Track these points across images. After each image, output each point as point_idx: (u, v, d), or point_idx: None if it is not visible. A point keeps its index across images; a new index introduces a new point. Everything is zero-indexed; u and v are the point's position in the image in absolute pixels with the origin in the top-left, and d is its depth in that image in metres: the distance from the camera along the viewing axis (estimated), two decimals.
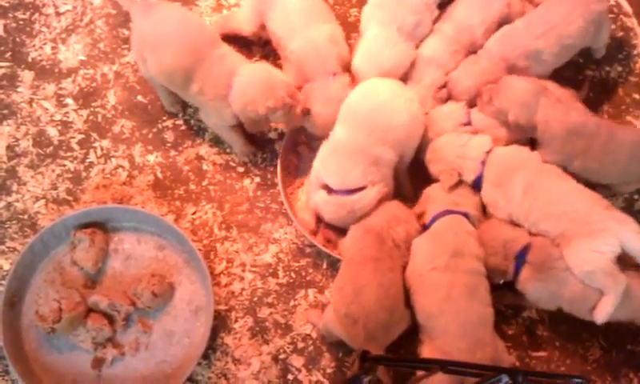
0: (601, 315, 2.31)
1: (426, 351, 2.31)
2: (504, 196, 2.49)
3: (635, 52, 3.06)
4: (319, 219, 2.65)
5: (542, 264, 2.38)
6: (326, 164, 2.55)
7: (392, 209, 2.51)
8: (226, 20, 3.00)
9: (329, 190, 2.53)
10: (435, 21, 2.82)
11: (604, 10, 2.80)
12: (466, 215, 2.49)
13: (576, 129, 2.52)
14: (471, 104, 2.73)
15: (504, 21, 2.82)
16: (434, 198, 2.55)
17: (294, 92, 2.62)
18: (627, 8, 3.13)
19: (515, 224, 2.50)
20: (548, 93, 2.58)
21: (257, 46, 3.02)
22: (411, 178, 2.72)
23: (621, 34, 3.07)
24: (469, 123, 2.66)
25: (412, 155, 2.64)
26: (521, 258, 2.41)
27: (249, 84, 2.57)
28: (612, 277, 2.30)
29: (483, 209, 2.58)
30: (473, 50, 2.80)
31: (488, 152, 2.55)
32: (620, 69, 3.01)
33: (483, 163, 2.54)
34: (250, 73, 2.61)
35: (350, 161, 2.50)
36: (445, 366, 1.92)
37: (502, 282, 2.46)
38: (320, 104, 2.65)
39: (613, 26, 3.05)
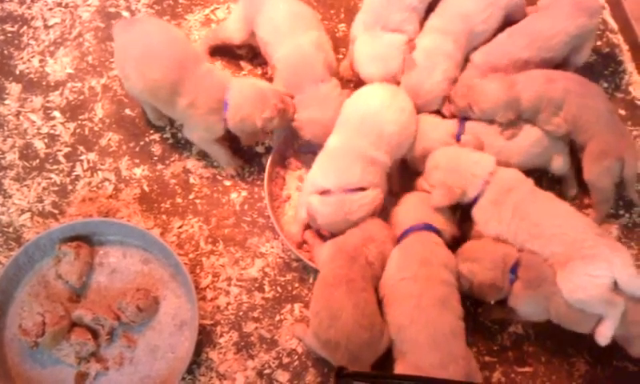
0: (603, 338, 2.31)
1: (399, 367, 2.29)
2: (497, 216, 2.49)
3: (621, 68, 3.09)
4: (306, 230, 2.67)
5: (532, 280, 2.38)
6: (323, 169, 2.55)
7: (370, 228, 2.50)
8: (214, 32, 3.01)
9: (325, 194, 2.51)
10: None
11: (594, 26, 2.82)
12: (436, 230, 2.49)
13: (548, 77, 2.64)
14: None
15: (510, 11, 2.87)
16: (404, 212, 2.55)
17: (284, 96, 2.66)
18: (613, 24, 3.16)
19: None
20: (510, 78, 2.67)
21: (245, 59, 3.03)
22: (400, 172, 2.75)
23: (607, 50, 3.10)
24: (460, 134, 2.67)
25: (403, 155, 2.67)
26: (512, 272, 2.40)
27: (243, 99, 2.60)
28: (608, 304, 2.29)
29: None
30: (473, 38, 2.82)
31: (492, 173, 2.53)
32: (606, 85, 3.04)
33: (486, 183, 2.53)
34: (241, 88, 2.63)
35: (348, 161, 2.51)
36: (420, 382, 1.92)
37: (492, 301, 2.44)
38: (313, 110, 2.66)
39: (599, 43, 3.08)
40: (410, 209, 2.56)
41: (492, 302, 2.45)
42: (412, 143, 2.65)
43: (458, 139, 2.67)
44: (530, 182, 2.55)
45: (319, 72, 2.71)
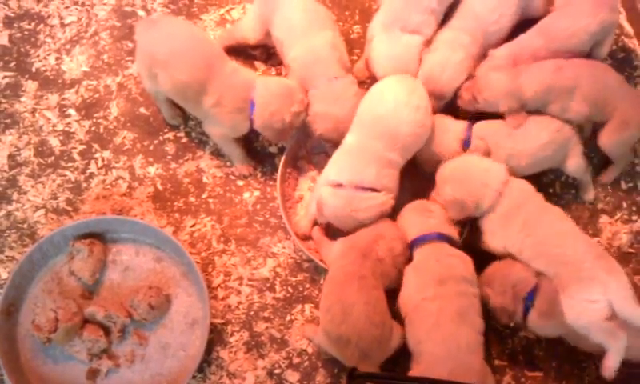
0: (607, 371, 2.27)
1: (412, 373, 2.30)
2: (505, 229, 2.48)
3: (636, 73, 3.06)
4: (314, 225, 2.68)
5: (547, 311, 2.36)
6: (338, 164, 2.56)
7: (379, 228, 2.50)
8: (230, 32, 3.02)
9: (338, 187, 2.52)
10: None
11: (614, 20, 2.80)
12: (445, 237, 2.48)
13: (557, 66, 2.64)
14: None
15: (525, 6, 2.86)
16: (405, 223, 2.54)
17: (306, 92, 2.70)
18: (629, 29, 3.13)
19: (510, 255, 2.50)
20: (516, 68, 2.68)
21: (259, 60, 3.04)
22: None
23: (622, 55, 3.07)
24: (468, 138, 2.65)
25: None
26: (529, 299, 2.38)
27: (270, 95, 2.62)
28: (609, 334, 2.26)
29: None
30: (489, 37, 2.80)
31: (505, 182, 2.51)
32: None
33: (499, 194, 2.50)
34: (268, 85, 2.64)
35: (365, 161, 2.52)
36: None
37: (511, 324, 2.44)
38: (326, 105, 2.67)
39: (614, 47, 3.05)
40: (413, 219, 2.55)
41: (511, 324, 2.44)
42: (425, 140, 2.63)
43: (465, 144, 2.65)
44: (539, 196, 2.53)
45: (334, 70, 2.71)
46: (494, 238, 2.51)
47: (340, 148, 2.60)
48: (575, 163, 2.70)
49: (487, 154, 2.62)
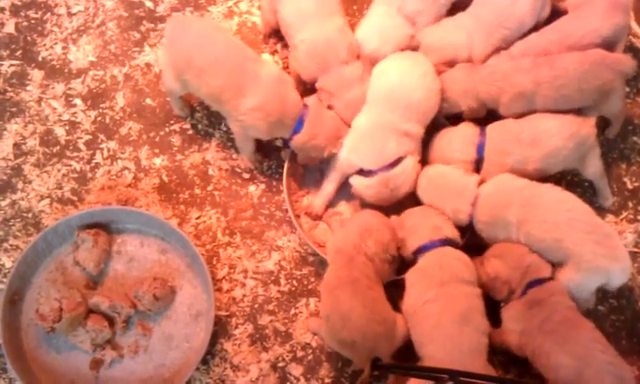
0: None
1: None
2: (503, 231, 2.49)
3: None
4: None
5: (532, 303, 2.36)
6: (357, 150, 2.62)
7: (364, 219, 2.52)
8: (261, 19, 3.05)
9: (366, 173, 2.58)
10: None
11: (626, 24, 2.77)
12: (449, 240, 2.48)
13: (515, 71, 2.64)
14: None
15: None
16: (412, 227, 2.53)
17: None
18: (637, 29, 3.12)
19: None
20: (476, 67, 2.73)
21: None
22: None
23: (629, 54, 3.05)
24: (482, 143, 2.64)
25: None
26: (530, 287, 2.38)
27: (320, 128, 2.64)
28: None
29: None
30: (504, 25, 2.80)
31: (476, 196, 2.53)
32: (627, 89, 3.00)
33: (472, 205, 2.53)
34: (320, 117, 2.66)
35: (381, 138, 2.58)
36: (455, 375, 1.90)
37: (502, 304, 2.44)
38: (339, 92, 2.70)
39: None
40: (422, 224, 2.53)
41: (502, 305, 2.44)
42: (438, 103, 2.68)
43: (479, 148, 2.63)
44: (522, 185, 2.51)
45: (343, 55, 2.72)
46: (497, 241, 2.53)
47: (352, 130, 2.65)
48: (592, 166, 2.68)
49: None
